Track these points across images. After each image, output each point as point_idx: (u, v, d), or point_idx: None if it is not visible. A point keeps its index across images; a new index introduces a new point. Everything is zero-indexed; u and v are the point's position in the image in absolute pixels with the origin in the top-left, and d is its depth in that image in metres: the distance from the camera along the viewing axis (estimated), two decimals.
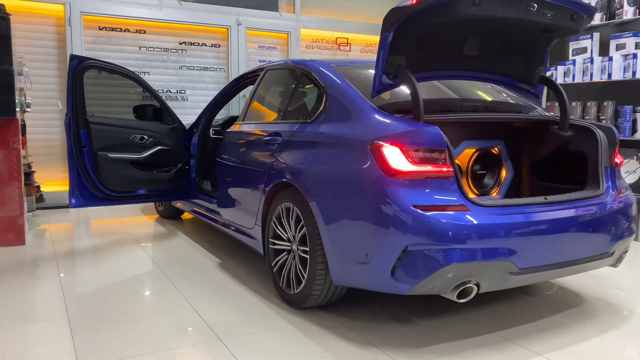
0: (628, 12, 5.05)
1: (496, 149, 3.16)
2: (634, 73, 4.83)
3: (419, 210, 2.27)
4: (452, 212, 2.29)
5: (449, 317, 2.80)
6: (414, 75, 2.57)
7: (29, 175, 5.12)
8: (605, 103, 5.10)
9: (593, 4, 5.27)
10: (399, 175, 2.31)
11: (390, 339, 2.54)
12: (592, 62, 5.24)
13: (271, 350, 2.44)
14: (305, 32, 7.28)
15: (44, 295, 3.18)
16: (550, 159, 3.15)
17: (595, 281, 3.42)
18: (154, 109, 4.46)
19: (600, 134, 2.87)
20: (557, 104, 5.42)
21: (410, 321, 2.76)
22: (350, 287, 2.67)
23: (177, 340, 2.54)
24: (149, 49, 6.41)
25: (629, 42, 4.95)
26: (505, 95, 3.40)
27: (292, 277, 2.88)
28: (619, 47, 5.04)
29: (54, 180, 5.96)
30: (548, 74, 3.18)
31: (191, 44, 6.63)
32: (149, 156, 4.25)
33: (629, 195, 2.87)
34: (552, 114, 3.27)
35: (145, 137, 4.25)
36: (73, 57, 3.94)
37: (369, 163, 2.41)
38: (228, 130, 3.95)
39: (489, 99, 3.39)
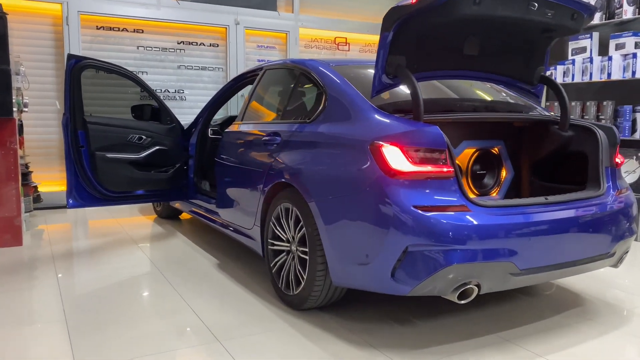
0: (627, 12, 5.04)
1: (496, 149, 3.15)
2: (633, 73, 4.82)
3: (420, 211, 2.25)
4: (452, 213, 2.28)
5: (448, 318, 2.79)
6: (414, 75, 2.56)
7: (26, 175, 5.10)
8: (604, 103, 5.09)
9: (592, 3, 5.27)
10: (399, 176, 2.30)
11: (390, 340, 2.53)
12: (591, 61, 5.24)
13: (270, 352, 2.42)
14: (304, 31, 7.26)
15: (42, 297, 3.16)
16: (551, 159, 3.14)
17: (595, 282, 3.41)
18: (152, 109, 4.45)
19: (600, 133, 2.86)
20: (556, 103, 5.46)
21: (409, 322, 2.74)
22: (349, 288, 2.66)
23: (176, 342, 2.52)
24: (147, 48, 6.39)
25: (629, 41, 4.95)
26: (505, 95, 3.39)
27: (292, 278, 2.86)
28: (619, 47, 5.04)
29: (51, 181, 5.94)
30: (547, 73, 3.17)
31: (189, 43, 6.61)
32: (147, 156, 4.23)
33: (629, 196, 2.86)
34: (552, 113, 3.26)
35: (144, 137, 4.23)
36: (70, 57, 3.92)
37: (368, 163, 2.39)
38: (227, 130, 3.93)
39: (489, 98, 3.38)
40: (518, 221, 2.38)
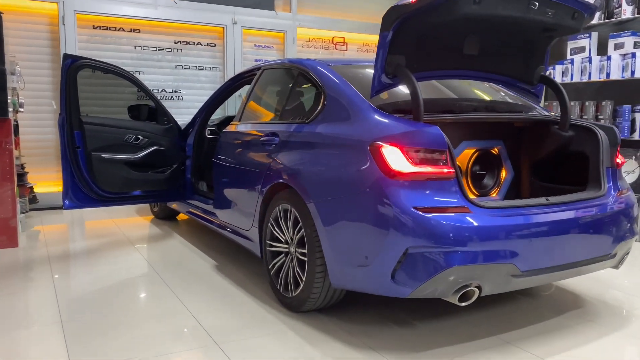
0: (626, 11, 5.03)
1: (496, 149, 3.13)
2: (632, 72, 4.82)
3: (420, 212, 2.23)
4: (453, 214, 2.26)
5: (449, 320, 2.77)
6: (414, 75, 2.53)
7: (22, 176, 5.07)
8: (603, 102, 5.08)
9: (592, 2, 5.25)
10: (399, 177, 2.28)
11: (390, 343, 2.51)
12: (590, 61, 5.23)
13: (268, 355, 2.39)
14: (302, 31, 7.24)
15: (37, 299, 3.12)
16: (551, 159, 3.12)
17: (595, 283, 3.40)
18: (149, 109, 4.42)
19: (601, 133, 2.84)
20: (555, 103, 5.45)
21: (409, 324, 2.72)
22: (349, 290, 2.63)
23: (173, 345, 2.49)
24: (144, 48, 6.36)
25: (628, 41, 4.94)
26: (505, 94, 3.37)
27: (290, 280, 2.84)
28: (618, 47, 5.03)
29: (47, 181, 5.90)
30: (546, 73, 3.16)
31: (186, 43, 6.58)
32: (144, 157, 4.20)
33: (630, 196, 2.84)
34: (551, 113, 3.24)
35: (140, 137, 4.21)
36: (66, 56, 3.89)
37: (368, 164, 2.37)
38: (224, 130, 3.91)
39: (489, 98, 3.36)
40: (519, 222, 2.36)
